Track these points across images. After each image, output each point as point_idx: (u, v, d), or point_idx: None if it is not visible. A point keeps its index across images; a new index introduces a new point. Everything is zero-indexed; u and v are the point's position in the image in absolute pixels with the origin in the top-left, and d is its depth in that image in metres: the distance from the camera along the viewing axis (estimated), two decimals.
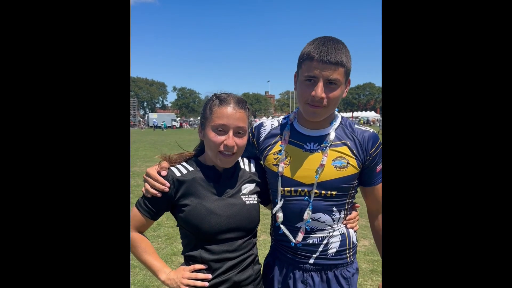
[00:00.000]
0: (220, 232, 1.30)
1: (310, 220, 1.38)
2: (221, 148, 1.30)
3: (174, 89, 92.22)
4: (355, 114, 71.01)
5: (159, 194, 1.31)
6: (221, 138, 1.29)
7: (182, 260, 1.42)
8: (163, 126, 46.22)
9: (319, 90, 1.26)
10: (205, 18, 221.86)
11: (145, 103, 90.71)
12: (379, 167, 1.41)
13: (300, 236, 1.39)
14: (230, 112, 1.29)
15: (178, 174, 1.35)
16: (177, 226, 1.39)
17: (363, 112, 75.97)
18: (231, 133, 1.29)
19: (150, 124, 53.21)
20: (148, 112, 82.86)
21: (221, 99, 1.32)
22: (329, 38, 1.31)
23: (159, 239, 4.38)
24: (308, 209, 1.36)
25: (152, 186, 1.31)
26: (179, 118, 69.09)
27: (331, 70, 1.24)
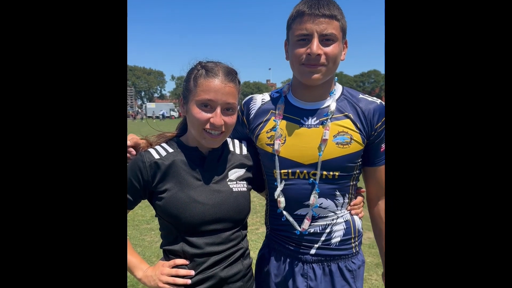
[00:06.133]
0: (204, 223, 1.13)
1: (318, 205, 1.20)
2: (207, 126, 1.12)
3: (173, 78, 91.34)
4: None
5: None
6: (207, 115, 1.11)
7: None
8: (161, 116, 45.76)
9: (315, 46, 1.10)
10: (204, 2, 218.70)
11: (143, 93, 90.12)
12: (384, 146, 1.23)
13: (306, 223, 1.21)
14: (218, 86, 1.10)
15: (156, 156, 1.17)
16: (156, 216, 1.21)
17: None
18: (218, 110, 1.11)
19: (149, 114, 52.47)
20: (146, 101, 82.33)
21: (207, 69, 1.13)
22: None
23: (152, 232, 4.21)
24: (314, 192, 1.19)
25: None
26: (177, 108, 68.48)
27: (325, 24, 1.10)
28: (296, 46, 1.15)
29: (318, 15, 1.10)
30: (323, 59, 1.12)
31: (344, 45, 1.21)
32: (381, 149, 1.24)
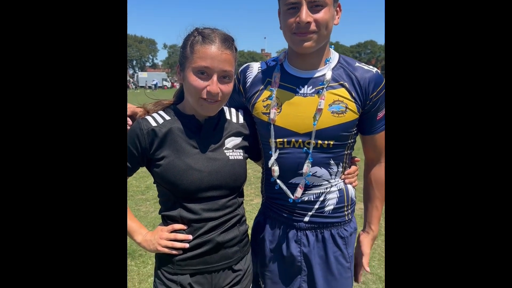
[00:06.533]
0: (200, 190, 1.15)
1: (311, 174, 1.22)
2: (203, 95, 1.11)
3: (165, 46, 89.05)
4: None
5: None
6: (203, 83, 1.10)
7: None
8: (153, 86, 44.89)
9: (303, 14, 1.09)
10: None
11: (134, 62, 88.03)
12: (380, 114, 1.25)
13: (299, 192, 1.24)
14: (214, 53, 1.09)
15: (153, 123, 1.17)
16: (154, 183, 1.23)
17: None
18: (215, 77, 1.10)
19: (141, 84, 51.33)
20: (137, 71, 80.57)
21: (204, 35, 1.11)
22: None
23: (148, 202, 4.27)
24: (307, 161, 1.21)
25: None
26: (170, 78, 67.34)
27: None
28: (287, 15, 1.13)
29: None
30: (313, 26, 1.11)
31: (337, 9, 1.19)
32: (378, 118, 1.25)
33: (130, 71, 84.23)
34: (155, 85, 46.07)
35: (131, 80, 58.87)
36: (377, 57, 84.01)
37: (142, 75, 56.69)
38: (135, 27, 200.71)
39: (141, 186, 4.78)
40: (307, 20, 1.09)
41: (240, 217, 1.26)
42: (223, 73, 1.11)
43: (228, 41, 1.13)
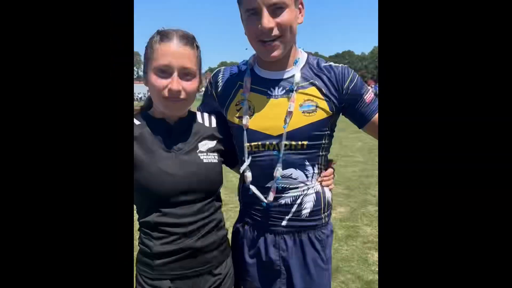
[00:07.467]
0: (173, 194, 1.13)
1: (281, 177, 1.22)
2: (165, 93, 1.10)
3: None
4: None
5: None
6: (164, 81, 1.09)
7: None
8: (138, 99, 44.57)
9: (265, 19, 1.07)
10: None
11: None
12: (368, 97, 1.23)
13: (271, 195, 1.23)
14: (173, 50, 1.09)
15: None
16: None
17: None
18: (175, 75, 1.09)
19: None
20: None
21: (162, 34, 1.12)
22: None
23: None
24: (278, 164, 1.20)
25: None
26: None
27: None
28: (248, 21, 1.12)
29: None
30: (276, 31, 1.10)
31: (300, 7, 1.17)
32: (367, 100, 1.23)
33: None
34: (141, 98, 45.81)
35: None
36: (355, 67, 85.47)
37: None
38: None
39: None
40: (269, 26, 1.07)
41: (217, 222, 1.24)
42: (184, 70, 1.10)
43: (186, 38, 1.12)
